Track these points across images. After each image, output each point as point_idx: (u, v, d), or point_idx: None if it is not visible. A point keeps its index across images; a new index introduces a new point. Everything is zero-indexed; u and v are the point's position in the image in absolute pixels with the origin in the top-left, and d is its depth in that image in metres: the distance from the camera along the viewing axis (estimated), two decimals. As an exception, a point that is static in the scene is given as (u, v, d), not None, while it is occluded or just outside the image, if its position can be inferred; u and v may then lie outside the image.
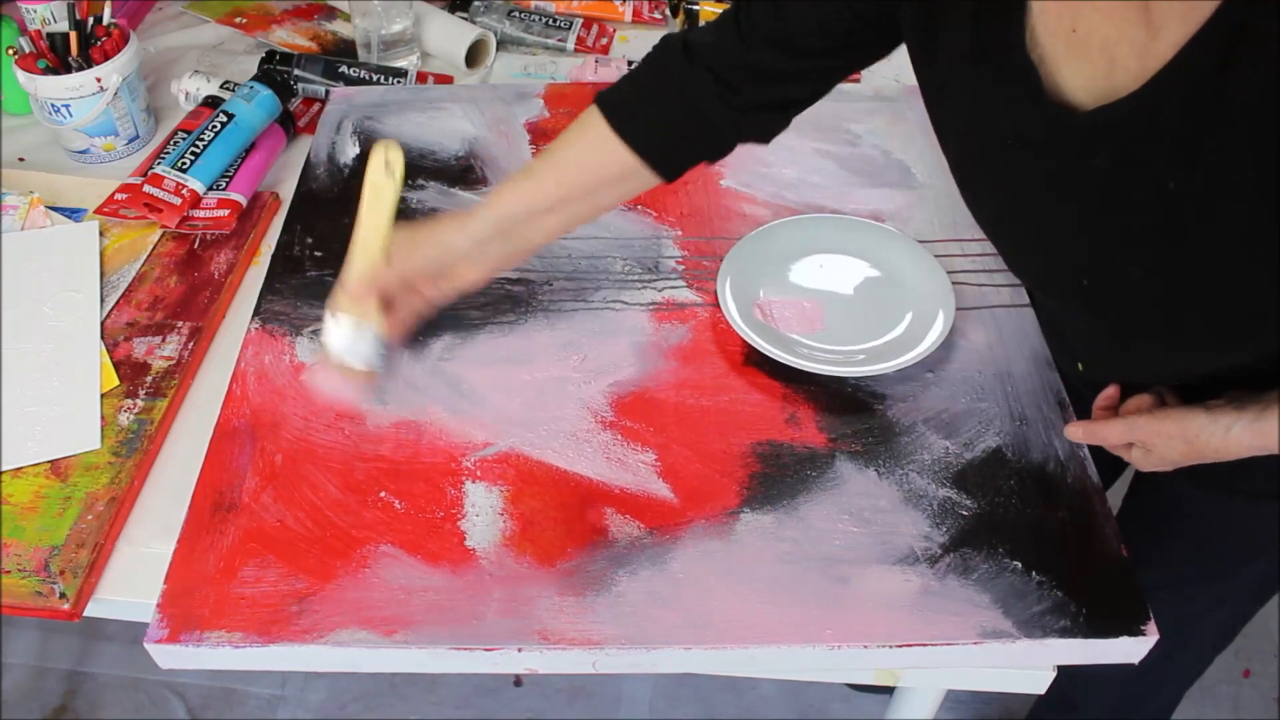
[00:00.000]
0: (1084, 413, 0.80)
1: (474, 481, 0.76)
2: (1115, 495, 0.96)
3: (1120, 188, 0.59)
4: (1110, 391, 0.73)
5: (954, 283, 0.87)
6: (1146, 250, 0.60)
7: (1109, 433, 0.71)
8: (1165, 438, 0.67)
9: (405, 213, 0.97)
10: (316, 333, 0.86)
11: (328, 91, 1.14)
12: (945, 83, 0.66)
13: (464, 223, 0.76)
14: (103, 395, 0.83)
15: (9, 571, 0.72)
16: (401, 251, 0.75)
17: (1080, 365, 0.79)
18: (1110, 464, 1.03)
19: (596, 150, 0.75)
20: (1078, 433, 0.73)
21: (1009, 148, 0.64)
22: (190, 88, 1.14)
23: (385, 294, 0.75)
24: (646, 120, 0.74)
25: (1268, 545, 0.84)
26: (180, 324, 0.89)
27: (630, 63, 1.19)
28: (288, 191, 1.03)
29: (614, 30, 1.30)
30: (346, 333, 0.75)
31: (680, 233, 0.96)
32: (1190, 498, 0.85)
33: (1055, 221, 0.65)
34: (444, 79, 1.20)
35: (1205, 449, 0.65)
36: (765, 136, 0.77)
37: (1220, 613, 0.98)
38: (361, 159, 1.04)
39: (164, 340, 0.87)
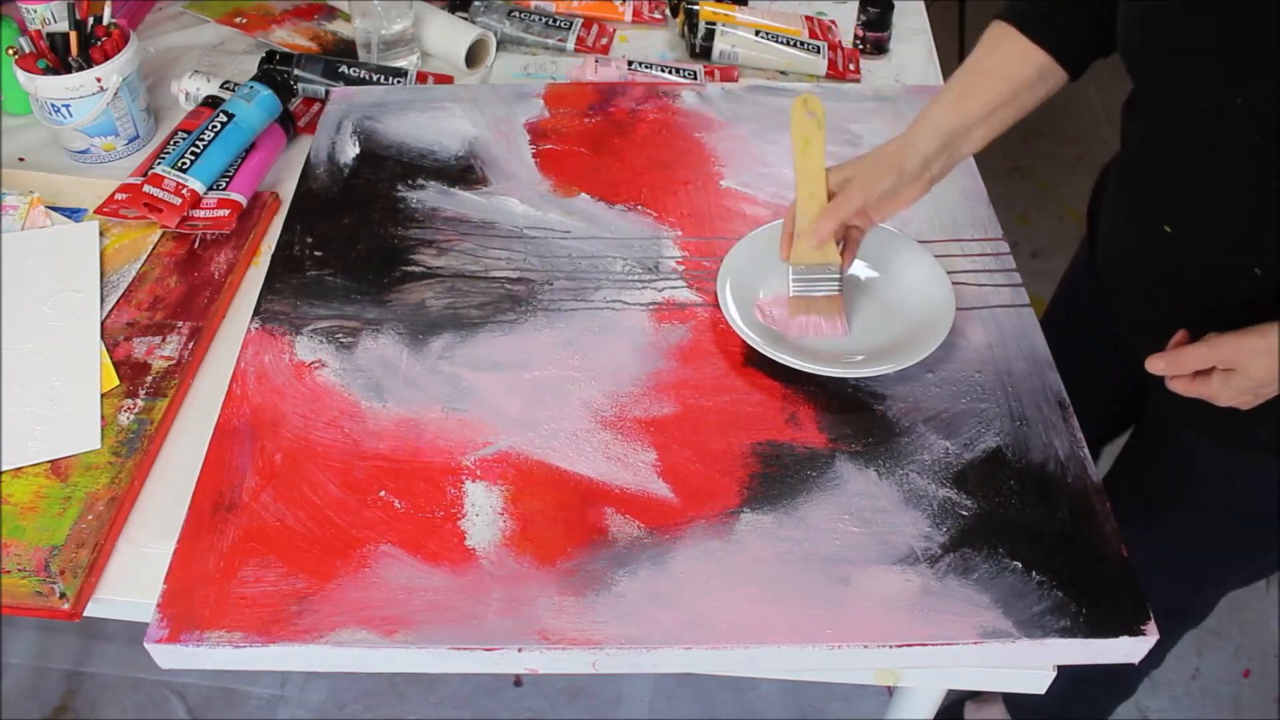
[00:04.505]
0: (1064, 357, 0.82)
1: (474, 481, 0.76)
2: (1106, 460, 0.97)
3: None
4: (1179, 336, 0.74)
5: (954, 283, 0.87)
6: None
7: (1191, 356, 0.71)
8: (1250, 354, 0.68)
9: (404, 213, 0.98)
10: (316, 332, 0.86)
11: (328, 91, 1.14)
12: None
13: (911, 145, 0.81)
14: (103, 395, 0.83)
15: (9, 571, 0.72)
16: (857, 186, 0.81)
17: (1168, 228, 0.78)
18: (1104, 421, 1.05)
19: (1013, 57, 0.81)
20: (1159, 364, 0.73)
21: None
22: (190, 88, 1.14)
23: (841, 230, 0.82)
24: (1049, 20, 0.80)
25: (1262, 514, 0.86)
26: (180, 324, 0.89)
27: (630, 63, 1.19)
28: (288, 191, 1.03)
29: (614, 30, 1.30)
30: (816, 277, 0.83)
31: (680, 233, 0.96)
32: (1194, 456, 0.87)
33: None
34: (444, 79, 1.20)
35: None
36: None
37: (1204, 587, 1.01)
38: (361, 159, 1.04)
39: (164, 340, 0.87)
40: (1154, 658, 1.14)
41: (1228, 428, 0.80)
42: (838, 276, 0.84)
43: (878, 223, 0.85)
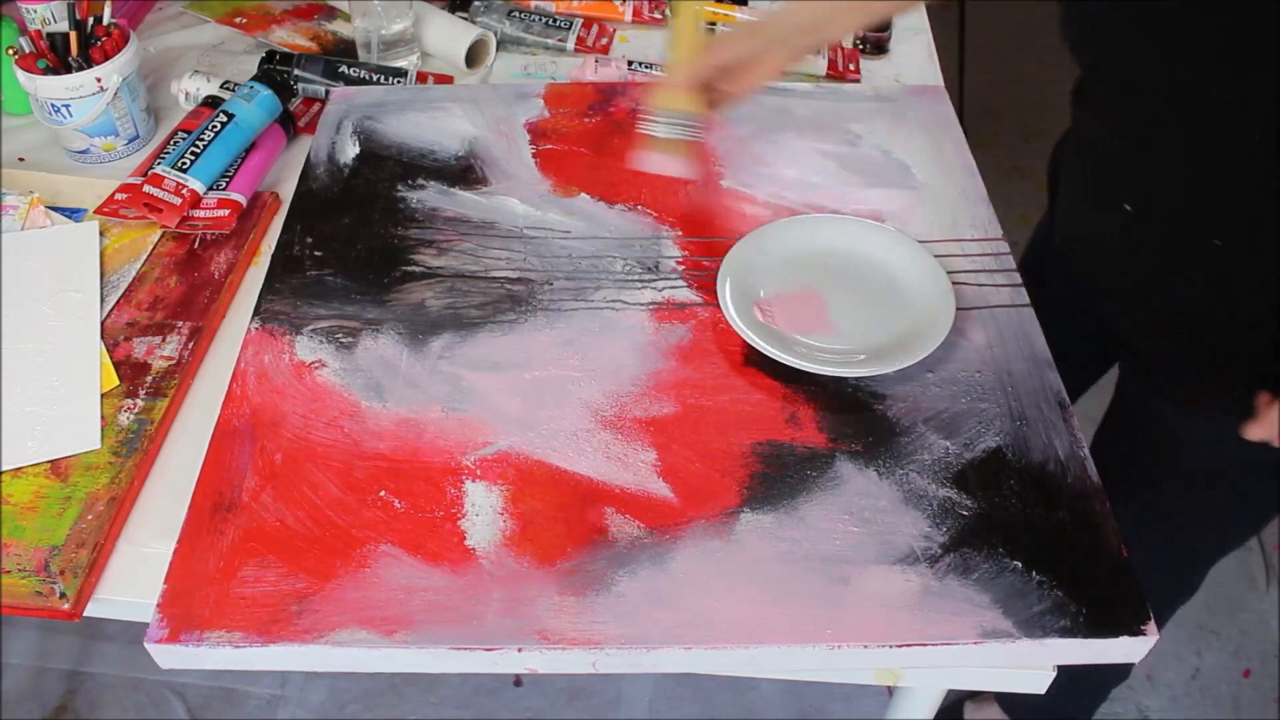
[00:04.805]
0: (1054, 325, 0.85)
1: (474, 481, 0.76)
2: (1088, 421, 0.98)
3: None
4: (1264, 398, 0.77)
5: (954, 283, 0.87)
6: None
7: None
8: None
9: (404, 213, 0.98)
10: (316, 332, 0.86)
11: (328, 91, 1.14)
12: None
13: (782, 17, 0.85)
14: (103, 395, 0.83)
15: (9, 571, 0.72)
16: (720, 43, 0.86)
17: (1128, 206, 0.81)
18: (1079, 373, 1.07)
19: None
20: (1259, 432, 0.75)
21: None
22: (190, 88, 1.14)
23: (703, 83, 0.86)
24: None
25: (1249, 485, 0.88)
26: (180, 324, 0.89)
27: (630, 63, 1.19)
28: (288, 191, 1.03)
29: (614, 30, 1.30)
30: (670, 122, 0.88)
31: (680, 233, 0.96)
32: (1177, 430, 0.89)
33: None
34: (444, 79, 1.20)
35: None
36: None
37: (1191, 562, 1.02)
38: (361, 159, 1.04)
39: (164, 340, 0.87)
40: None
41: (1210, 400, 0.81)
42: (691, 123, 0.88)
43: (748, 93, 0.88)
